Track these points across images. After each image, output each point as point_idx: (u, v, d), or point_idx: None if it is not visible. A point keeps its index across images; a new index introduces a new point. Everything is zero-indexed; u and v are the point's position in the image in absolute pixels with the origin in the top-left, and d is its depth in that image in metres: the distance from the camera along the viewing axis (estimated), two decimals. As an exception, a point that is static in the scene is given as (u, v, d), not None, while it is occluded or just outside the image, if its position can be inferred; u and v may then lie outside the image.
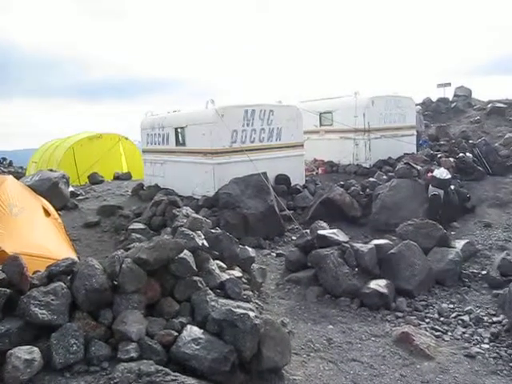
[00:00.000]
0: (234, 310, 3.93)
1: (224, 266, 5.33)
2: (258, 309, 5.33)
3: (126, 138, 17.48)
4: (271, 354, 3.97)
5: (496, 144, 15.81)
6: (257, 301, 5.60)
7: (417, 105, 20.56)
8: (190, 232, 4.93)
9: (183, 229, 4.99)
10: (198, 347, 3.72)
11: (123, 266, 4.20)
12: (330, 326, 5.33)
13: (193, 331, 3.87)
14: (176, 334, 3.90)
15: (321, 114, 13.63)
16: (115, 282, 4.20)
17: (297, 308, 5.84)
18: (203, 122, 9.93)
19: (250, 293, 5.55)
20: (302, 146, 11.15)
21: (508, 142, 15.75)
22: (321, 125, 13.67)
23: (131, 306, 4.09)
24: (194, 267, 4.57)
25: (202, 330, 3.91)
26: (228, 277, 4.90)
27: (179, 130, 10.75)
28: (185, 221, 5.68)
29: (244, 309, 4.10)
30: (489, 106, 22.34)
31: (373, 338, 5.07)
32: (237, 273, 5.41)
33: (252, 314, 3.92)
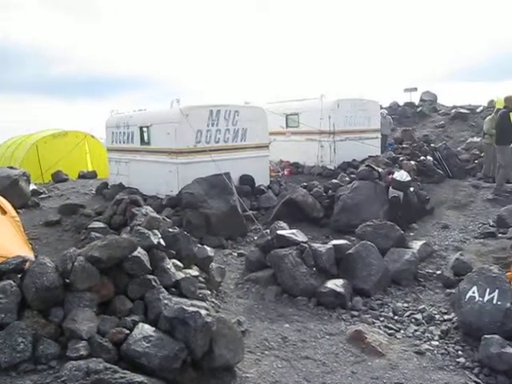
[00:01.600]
0: (186, 308, 3.94)
1: (180, 265, 5.33)
2: (215, 307, 5.35)
3: (92, 136, 17.22)
4: (223, 352, 4.00)
5: (458, 148, 16.28)
6: (214, 300, 5.62)
7: (384, 108, 21.04)
8: (146, 231, 4.93)
9: (139, 227, 4.98)
10: (148, 345, 3.73)
11: (75, 263, 4.17)
12: (287, 325, 5.39)
13: (144, 329, 3.88)
14: (127, 331, 3.90)
15: (287, 115, 13.72)
16: (67, 280, 4.16)
17: (255, 307, 5.88)
18: (168, 122, 9.90)
19: (208, 292, 5.57)
20: (268, 146, 11.21)
21: (469, 146, 16.24)
22: (287, 126, 13.76)
23: (83, 304, 4.06)
24: (149, 266, 4.57)
25: (153, 328, 3.91)
26: (184, 276, 4.90)
27: (144, 128, 10.68)
28: (143, 220, 5.67)
29: (197, 307, 4.12)
30: (453, 111, 22.96)
31: (327, 337, 5.14)
32: (194, 272, 5.42)
33: (204, 312, 3.94)
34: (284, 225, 7.21)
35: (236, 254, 7.75)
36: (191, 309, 3.94)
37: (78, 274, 4.13)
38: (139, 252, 4.52)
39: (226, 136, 10.29)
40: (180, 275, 4.91)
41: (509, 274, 5.81)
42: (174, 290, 4.70)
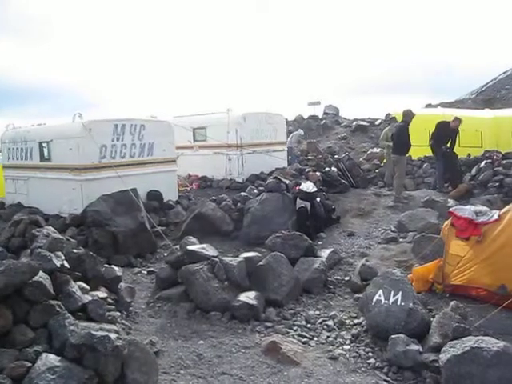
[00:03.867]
0: (95, 332, 3.74)
1: (87, 287, 5.06)
2: (125, 329, 5.17)
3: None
4: (136, 376, 3.86)
5: (360, 159, 17.11)
6: (124, 321, 5.42)
7: (290, 121, 21.74)
8: (48, 253, 4.62)
9: (40, 250, 4.66)
10: (53, 376, 3.48)
11: (-33, 294, 3.81)
12: (201, 342, 5.32)
13: (48, 360, 3.61)
14: (29, 364, 3.62)
15: (194, 129, 13.68)
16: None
17: (167, 326, 5.75)
18: (70, 137, 9.48)
19: (117, 313, 5.36)
20: (175, 161, 11.10)
21: (370, 157, 17.15)
22: (195, 140, 13.72)
23: (-25, 339, 3.71)
24: (52, 290, 4.28)
25: (59, 358, 3.66)
26: (91, 298, 4.66)
27: (44, 144, 10.14)
28: (44, 241, 5.32)
29: (106, 331, 3.93)
30: (354, 123, 24.23)
31: (243, 350, 5.14)
32: (101, 294, 5.19)
33: (114, 335, 3.77)
34: (194, 240, 7.14)
35: (146, 272, 7.55)
36: (100, 333, 3.75)
37: (-30, 305, 3.77)
38: (41, 276, 4.22)
39: (132, 151, 10.04)
40: (87, 298, 4.65)
41: (410, 275, 6.20)
42: (80, 314, 4.43)
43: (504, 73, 29.42)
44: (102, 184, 9.15)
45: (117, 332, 4.15)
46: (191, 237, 7.26)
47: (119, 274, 5.87)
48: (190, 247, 6.65)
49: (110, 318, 4.78)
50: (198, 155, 13.64)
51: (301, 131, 18.09)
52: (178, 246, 7.14)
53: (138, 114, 12.68)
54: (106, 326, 4.27)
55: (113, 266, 6.13)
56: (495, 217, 6.00)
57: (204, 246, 6.82)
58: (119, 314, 5.45)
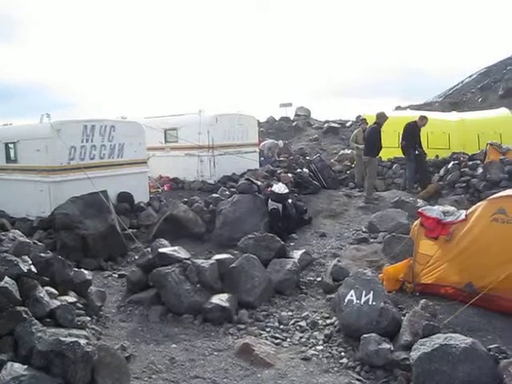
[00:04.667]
0: (63, 339, 3.67)
1: (56, 292, 4.94)
2: (96, 335, 5.07)
3: None
4: (107, 382, 3.80)
5: (331, 160, 17.25)
6: (94, 326, 5.31)
7: (262, 123, 21.69)
8: (14, 258, 4.50)
9: (6, 254, 4.53)
10: (19, 386, 3.38)
11: None
12: (173, 345, 5.26)
13: (14, 369, 3.50)
14: (-6, 374, 3.50)
15: (166, 130, 13.57)
16: None
17: (139, 330, 5.66)
18: (37, 137, 9.29)
19: (87, 318, 5.25)
20: (146, 162, 10.99)
21: (341, 158, 17.31)
22: (166, 141, 13.61)
23: None
24: (18, 296, 4.17)
25: (25, 366, 3.56)
26: (59, 303, 4.55)
27: (10, 145, 9.90)
28: (10, 245, 5.18)
29: (75, 336, 3.85)
30: (325, 125, 24.47)
31: (216, 353, 5.11)
32: (71, 298, 5.07)
33: (83, 341, 3.70)
34: (165, 242, 7.07)
35: (117, 276, 7.44)
36: (69, 339, 3.67)
37: None
38: (6, 282, 4.10)
39: (101, 152, 9.89)
40: (55, 303, 4.55)
41: (381, 275, 6.27)
42: (48, 320, 4.33)
43: (470, 76, 30.20)
44: (71, 186, 8.98)
45: (87, 337, 4.07)
46: (163, 239, 7.20)
47: (89, 277, 5.76)
48: (161, 250, 6.58)
49: (79, 323, 4.68)
50: (169, 156, 13.53)
51: (280, 142, 17.95)
52: (149, 249, 7.06)
53: (108, 114, 12.52)
54: (75, 331, 4.18)
55: (82, 269, 6.00)
56: (462, 216, 6.13)
57: (175, 248, 6.75)
58: (89, 318, 5.35)
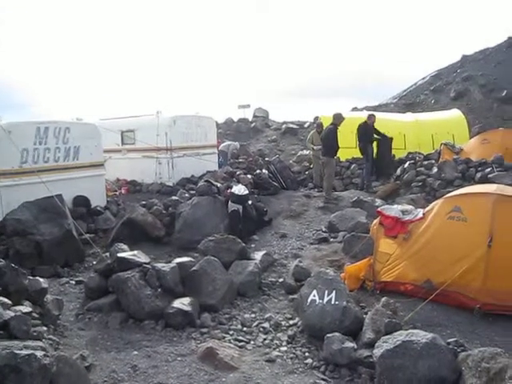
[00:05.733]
0: (18, 352, 3.50)
1: (9, 302, 4.71)
2: (53, 345, 4.88)
3: None
4: (66, 394, 3.64)
5: (290, 161, 17.36)
6: (51, 336, 5.10)
7: (221, 124, 21.51)
8: (-37, 267, 4.28)
9: (-46, 264, 4.30)
10: (-28, 402, 3.21)
11: None
12: (135, 352, 5.14)
13: (-35, 384, 3.33)
14: None
15: (123, 132, 13.33)
16: None
17: (99, 338, 5.50)
18: (-14, 140, 8.88)
19: (44, 328, 5.04)
20: (103, 165, 10.73)
21: (300, 159, 17.45)
22: (123, 143, 13.36)
23: None
24: (-32, 309, 3.96)
25: (-23, 382, 3.39)
26: (13, 314, 4.34)
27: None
28: (-41, 254, 4.94)
29: (31, 349, 3.69)
30: (283, 126, 24.61)
31: (179, 358, 5.02)
32: (25, 308, 4.84)
33: (40, 353, 3.55)
34: (124, 246, 6.91)
35: (74, 282, 7.22)
36: (24, 352, 3.51)
37: None
38: (-45, 293, 3.89)
39: (56, 155, 9.60)
40: (9, 314, 4.33)
41: (342, 274, 6.34)
42: (1, 332, 4.13)
43: (423, 79, 31.04)
44: (24, 190, 8.63)
45: (43, 349, 3.91)
46: (121, 243, 7.03)
47: (45, 285, 5.54)
48: (120, 254, 6.42)
49: (35, 334, 4.49)
50: (126, 159, 13.29)
51: (237, 144, 17.88)
52: (107, 254, 6.89)
53: (63, 116, 12.17)
54: (30, 343, 4.00)
55: (37, 277, 5.76)
56: (420, 215, 6.28)
57: (135, 252, 6.60)
58: (46, 328, 5.13)
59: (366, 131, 12.31)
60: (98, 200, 10.18)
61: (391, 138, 12.89)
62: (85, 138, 10.18)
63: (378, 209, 6.87)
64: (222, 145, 16.72)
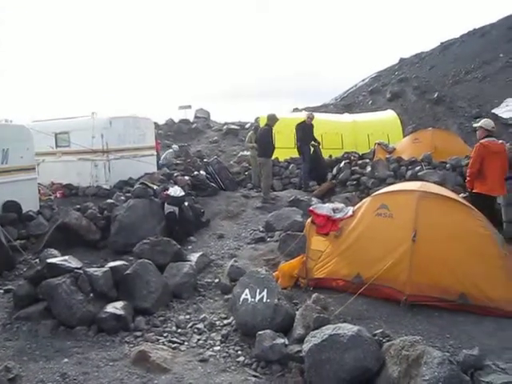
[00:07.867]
0: None
1: None
2: (-25, 359, 4.69)
3: None
4: (-13, 407, 3.50)
5: (231, 162, 17.42)
6: (-26, 349, 4.91)
7: (161, 125, 21.16)
8: None
9: None
10: None
11: None
12: (65, 360, 5.01)
13: None
14: None
15: (56, 134, 12.85)
16: None
17: (27, 347, 5.32)
18: None
19: (-35, 341, 4.84)
20: (34, 168, 10.35)
21: (240, 159, 17.55)
22: (57, 146, 12.89)
23: None
24: None
25: None
26: None
27: None
28: None
29: None
30: (225, 127, 24.66)
31: (111, 363, 4.95)
32: None
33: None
34: (55, 252, 6.71)
35: (2, 291, 6.91)
36: None
37: None
38: None
39: (-18, 159, 9.15)
40: None
41: (276, 273, 6.45)
42: None
43: (363, 80, 32.07)
44: None
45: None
46: (52, 249, 6.82)
47: (-32, 296, 5.31)
48: (50, 260, 6.22)
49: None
50: (61, 162, 12.82)
51: (176, 147, 17.66)
52: (37, 260, 6.67)
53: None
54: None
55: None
56: (350, 213, 6.49)
57: (66, 257, 6.42)
58: (-32, 341, 4.93)
59: (305, 130, 12.56)
60: (30, 205, 9.79)
61: (318, 143, 13.13)
62: (14, 141, 9.76)
63: (310, 208, 7.03)
64: (162, 157, 16.38)
